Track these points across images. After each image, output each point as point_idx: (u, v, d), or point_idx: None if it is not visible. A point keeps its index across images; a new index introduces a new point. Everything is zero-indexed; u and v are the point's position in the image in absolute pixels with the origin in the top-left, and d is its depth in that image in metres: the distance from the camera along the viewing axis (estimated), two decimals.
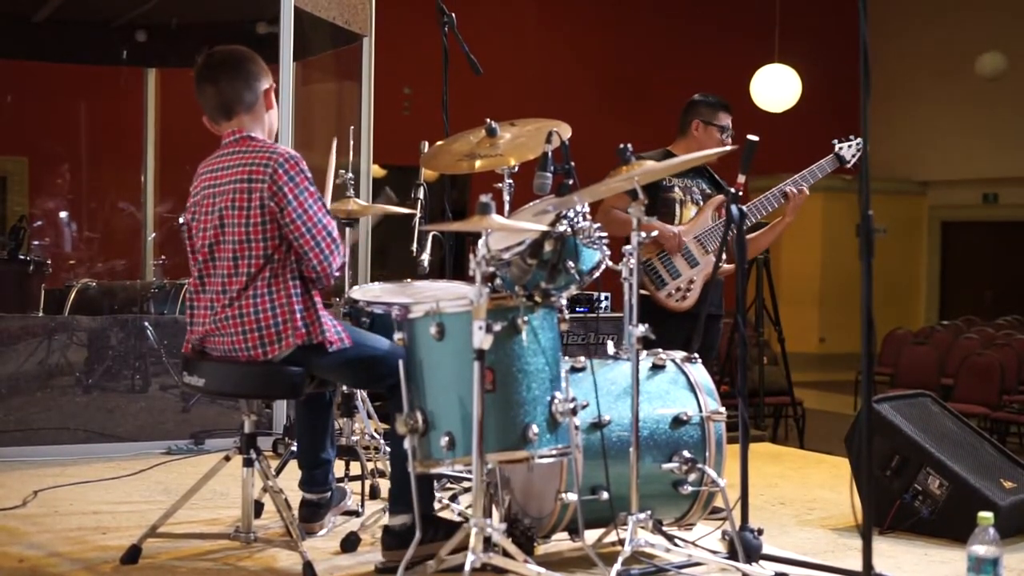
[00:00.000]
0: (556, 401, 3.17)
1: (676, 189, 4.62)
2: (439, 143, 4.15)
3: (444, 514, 3.83)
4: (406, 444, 3.18)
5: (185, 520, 3.81)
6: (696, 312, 4.49)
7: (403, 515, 3.41)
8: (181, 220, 3.70)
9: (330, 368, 3.49)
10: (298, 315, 3.39)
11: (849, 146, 4.78)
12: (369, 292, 3.88)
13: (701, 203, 4.64)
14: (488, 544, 3.03)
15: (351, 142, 5.02)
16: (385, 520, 3.57)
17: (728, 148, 3.46)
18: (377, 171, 9.80)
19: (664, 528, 3.52)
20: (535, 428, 3.12)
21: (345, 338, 3.45)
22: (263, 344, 3.38)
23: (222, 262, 3.43)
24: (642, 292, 4.11)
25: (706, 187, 4.69)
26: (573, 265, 3.26)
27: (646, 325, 3.35)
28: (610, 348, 3.71)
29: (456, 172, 4.18)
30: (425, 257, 4.40)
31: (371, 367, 3.49)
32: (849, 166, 4.77)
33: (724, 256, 4.53)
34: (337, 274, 3.48)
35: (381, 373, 3.42)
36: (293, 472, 4.03)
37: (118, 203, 9.30)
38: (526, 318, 3.15)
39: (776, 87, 12.36)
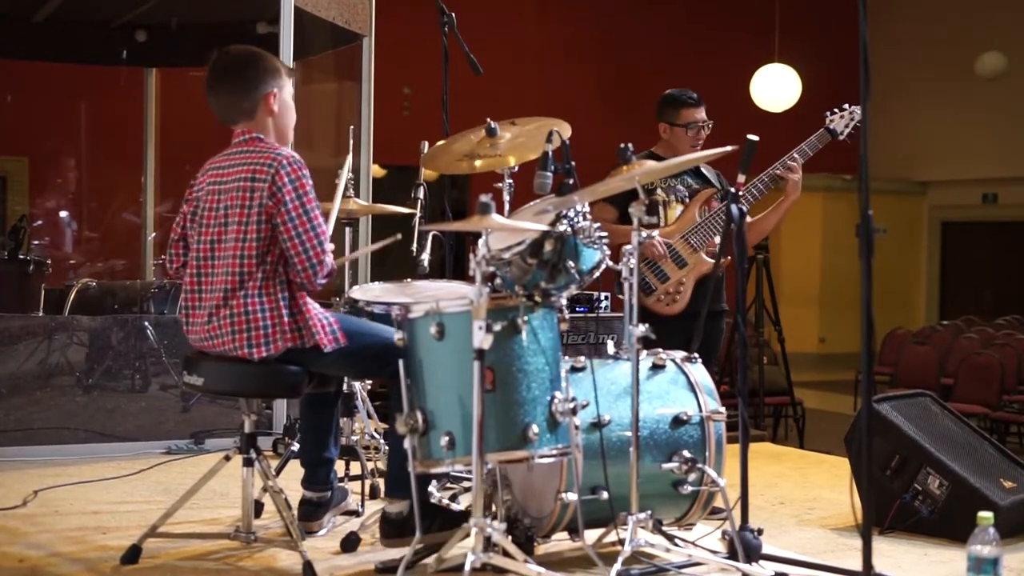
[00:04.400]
0: (556, 401, 3.17)
1: (658, 191, 4.59)
2: (439, 143, 4.16)
3: None
4: (406, 444, 3.18)
5: (185, 520, 3.80)
6: (691, 312, 4.47)
7: (400, 501, 3.42)
8: (180, 219, 3.70)
9: (329, 365, 3.51)
10: (286, 319, 3.40)
11: (841, 117, 4.63)
12: (369, 292, 3.88)
13: (687, 200, 4.59)
14: (488, 544, 3.03)
15: (351, 142, 5.01)
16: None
17: (728, 149, 3.45)
18: (377, 171, 9.80)
19: (664, 528, 3.52)
20: (535, 428, 3.12)
21: (340, 337, 3.46)
22: (250, 345, 3.39)
23: (220, 260, 3.44)
24: None
25: (692, 182, 4.63)
26: (573, 265, 3.26)
27: (646, 325, 3.35)
28: (610, 348, 3.72)
29: (456, 172, 4.18)
30: (425, 257, 4.40)
31: (371, 357, 3.50)
32: (842, 138, 4.63)
33: (716, 252, 4.51)
34: (322, 283, 3.45)
35: (383, 361, 3.41)
36: (293, 472, 4.03)
37: (120, 210, 9.31)
38: (526, 318, 3.15)
39: (776, 87, 12.37)
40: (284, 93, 3.61)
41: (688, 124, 4.68)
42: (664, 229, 4.55)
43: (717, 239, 4.58)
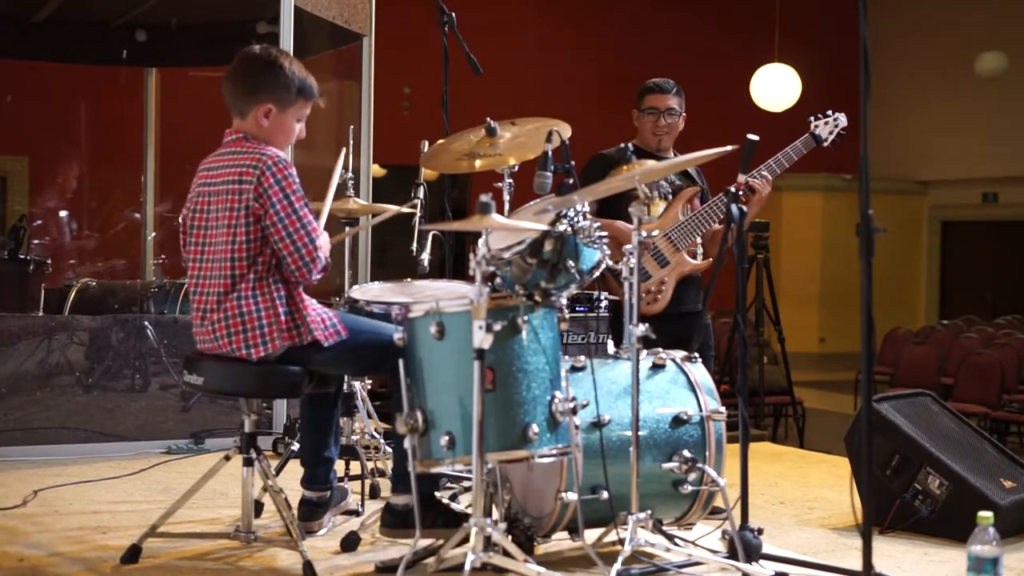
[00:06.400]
0: (556, 400, 3.17)
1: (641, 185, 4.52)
2: (439, 143, 4.15)
3: None
4: (406, 443, 3.18)
5: (185, 520, 3.81)
6: (672, 313, 4.42)
7: (406, 494, 3.42)
8: (181, 220, 3.70)
9: (329, 362, 3.50)
10: (283, 317, 3.40)
11: (826, 123, 4.54)
12: (369, 292, 3.88)
13: (670, 197, 4.51)
14: (488, 543, 3.03)
15: (351, 142, 5.01)
16: None
17: (728, 148, 3.45)
18: (377, 171, 9.80)
19: (664, 528, 3.52)
20: (535, 427, 3.12)
21: (341, 330, 3.46)
22: (247, 345, 3.39)
23: (210, 262, 3.45)
24: (612, 297, 4.11)
25: (675, 178, 4.54)
26: (573, 264, 3.25)
27: (646, 324, 3.35)
28: (610, 348, 3.71)
29: (456, 172, 4.18)
30: (425, 257, 4.39)
31: (370, 353, 3.50)
32: (826, 144, 4.54)
33: (697, 253, 4.48)
34: (317, 278, 3.45)
35: (382, 357, 3.41)
36: (293, 472, 4.03)
37: (120, 210, 9.32)
38: (526, 317, 3.15)
39: (776, 87, 12.38)
40: (287, 115, 3.54)
41: (646, 109, 4.62)
42: (647, 225, 4.48)
43: (699, 239, 4.52)
